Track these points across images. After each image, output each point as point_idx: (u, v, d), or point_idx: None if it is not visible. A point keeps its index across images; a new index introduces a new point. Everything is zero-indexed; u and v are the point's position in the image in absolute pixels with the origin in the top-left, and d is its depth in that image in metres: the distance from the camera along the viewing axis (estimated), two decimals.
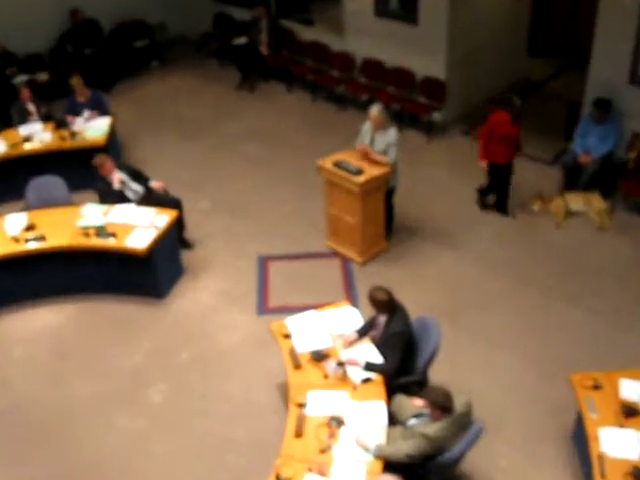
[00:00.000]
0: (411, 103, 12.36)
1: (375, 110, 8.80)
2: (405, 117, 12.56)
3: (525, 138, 10.34)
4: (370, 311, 7.30)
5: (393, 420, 6.37)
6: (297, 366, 6.94)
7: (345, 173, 8.88)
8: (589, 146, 10.42)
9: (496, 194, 10.29)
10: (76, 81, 11.57)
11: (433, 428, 5.84)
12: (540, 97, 12.95)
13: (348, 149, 9.42)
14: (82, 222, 8.97)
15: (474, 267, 9.40)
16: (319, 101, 13.54)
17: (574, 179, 10.51)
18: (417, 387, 6.73)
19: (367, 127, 9.04)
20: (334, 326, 7.33)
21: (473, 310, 8.67)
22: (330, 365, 6.82)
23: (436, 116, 12.49)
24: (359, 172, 8.78)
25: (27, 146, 10.94)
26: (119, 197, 9.32)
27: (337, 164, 8.98)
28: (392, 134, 8.85)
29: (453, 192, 10.88)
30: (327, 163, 9.10)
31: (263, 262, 9.67)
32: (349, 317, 7.46)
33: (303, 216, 10.40)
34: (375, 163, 8.86)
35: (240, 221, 10.45)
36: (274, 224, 10.33)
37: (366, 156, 8.94)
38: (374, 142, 9.01)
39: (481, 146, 9.83)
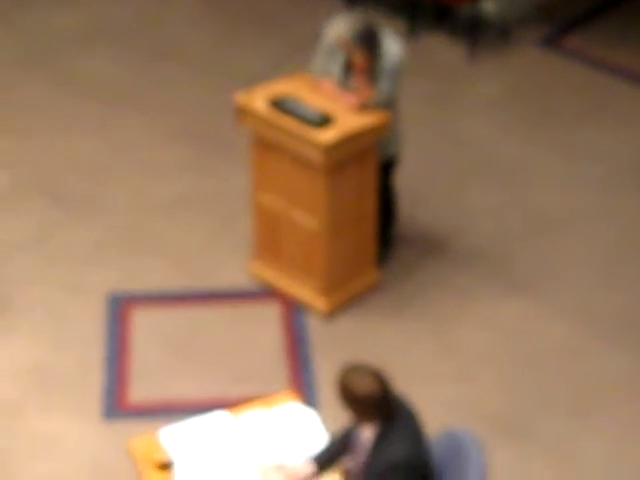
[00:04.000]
0: None
1: (343, 26, 6.79)
2: (424, 9, 10.13)
3: None
4: (343, 416, 5.44)
5: None
6: None
7: (295, 123, 6.96)
8: None
9: None
10: None
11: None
12: None
13: (299, 72, 7.40)
14: None
15: (563, 324, 7.52)
16: None
17: None
18: None
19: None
20: (266, 447, 5.70)
21: (560, 413, 6.92)
22: None
23: (487, 6, 10.11)
24: (323, 121, 6.91)
25: None
26: None
27: (278, 103, 7.07)
28: (392, 54, 6.94)
29: (527, 167, 8.55)
30: (257, 101, 7.17)
31: (119, 308, 7.75)
32: (298, 427, 5.89)
33: (203, 209, 8.37)
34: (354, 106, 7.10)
35: (73, 220, 8.26)
36: (143, 227, 8.24)
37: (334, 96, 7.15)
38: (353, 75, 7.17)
39: None
